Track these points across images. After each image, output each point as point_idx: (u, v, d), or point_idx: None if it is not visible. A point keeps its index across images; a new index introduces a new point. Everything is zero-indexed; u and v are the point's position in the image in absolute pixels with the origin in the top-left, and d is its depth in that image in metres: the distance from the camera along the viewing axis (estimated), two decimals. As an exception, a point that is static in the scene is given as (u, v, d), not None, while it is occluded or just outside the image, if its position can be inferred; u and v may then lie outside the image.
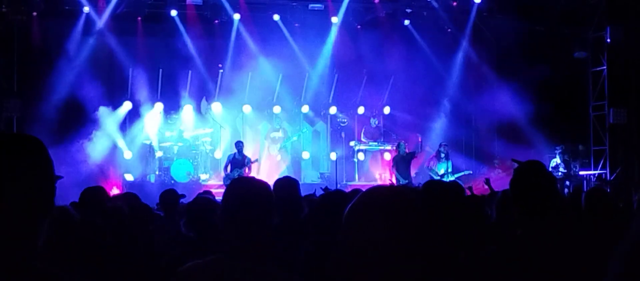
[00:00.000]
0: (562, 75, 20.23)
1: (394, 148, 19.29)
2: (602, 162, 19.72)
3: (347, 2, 20.01)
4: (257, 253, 3.07)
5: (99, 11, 18.80)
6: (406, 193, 2.01)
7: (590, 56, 20.30)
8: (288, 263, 4.97)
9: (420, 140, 18.99)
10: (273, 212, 3.19)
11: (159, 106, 19.49)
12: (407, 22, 20.63)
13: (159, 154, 19.00)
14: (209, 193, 8.39)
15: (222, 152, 20.02)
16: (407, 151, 18.67)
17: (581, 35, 20.29)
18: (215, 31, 20.06)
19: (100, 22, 18.82)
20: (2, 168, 1.97)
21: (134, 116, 19.48)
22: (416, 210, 1.98)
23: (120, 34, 19.10)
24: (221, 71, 20.10)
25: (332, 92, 21.03)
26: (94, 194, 6.32)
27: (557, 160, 18.68)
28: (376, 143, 20.55)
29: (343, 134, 20.74)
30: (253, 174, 19.56)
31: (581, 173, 19.52)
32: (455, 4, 20.41)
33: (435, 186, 3.42)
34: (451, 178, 18.05)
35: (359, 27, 20.58)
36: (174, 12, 19.40)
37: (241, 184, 3.31)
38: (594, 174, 19.69)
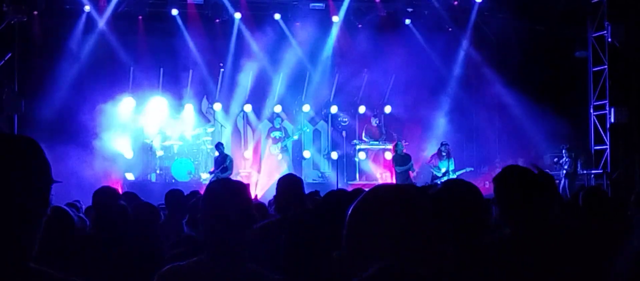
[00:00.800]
0: (562, 74, 20.21)
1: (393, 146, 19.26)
2: (603, 161, 19.69)
3: (348, 1, 20.00)
4: (238, 254, 3.10)
5: (99, 10, 18.80)
6: (410, 191, 2.00)
7: (591, 55, 20.27)
8: (286, 260, 4.99)
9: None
10: (251, 212, 3.21)
11: (160, 105, 19.49)
12: (408, 21, 20.63)
13: (159, 153, 19.01)
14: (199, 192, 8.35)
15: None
16: (404, 151, 18.65)
17: (582, 34, 20.25)
18: (216, 30, 20.05)
19: (101, 21, 18.82)
20: None
21: (134, 115, 19.47)
22: (420, 209, 1.97)
23: (121, 33, 19.09)
24: (222, 70, 20.10)
25: (333, 92, 21.04)
26: (107, 194, 6.31)
27: (564, 159, 18.69)
28: (377, 142, 20.55)
29: (344, 134, 20.75)
30: (254, 173, 19.61)
31: (586, 172, 19.51)
32: (456, 3, 20.40)
33: (455, 185, 3.39)
34: (453, 176, 18.06)
35: (360, 26, 20.57)
36: (175, 11, 19.40)
37: (219, 185, 3.34)
38: (595, 173, 19.67)
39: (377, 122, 20.76)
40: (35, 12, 18.00)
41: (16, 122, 17.49)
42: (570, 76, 20.39)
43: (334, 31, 20.44)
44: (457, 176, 18.10)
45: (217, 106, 20.12)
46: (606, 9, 19.34)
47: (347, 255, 1.93)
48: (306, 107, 20.79)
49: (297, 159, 20.58)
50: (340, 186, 16.95)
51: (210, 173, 17.82)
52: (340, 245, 2.02)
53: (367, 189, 2.12)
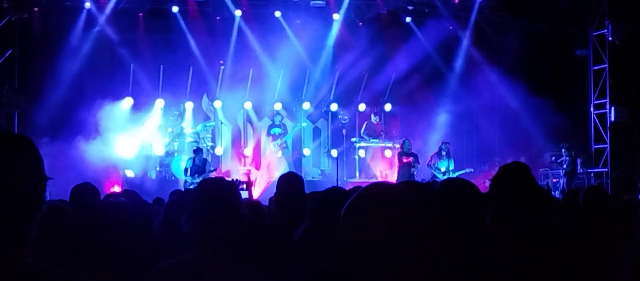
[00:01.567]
0: (563, 73, 20.22)
1: (399, 145, 19.24)
2: (603, 160, 19.71)
3: (348, -2, 20.03)
4: (226, 252, 3.12)
5: (100, 7, 18.79)
6: (403, 190, 1.99)
7: (592, 54, 20.27)
8: (286, 259, 4.99)
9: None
10: (240, 212, 3.24)
11: (160, 102, 19.50)
12: (408, 19, 20.61)
13: (159, 150, 19.01)
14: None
15: (223, 148, 20.06)
16: (411, 150, 18.66)
17: (582, 33, 20.27)
18: (217, 27, 20.04)
19: (102, 18, 18.80)
20: None
21: (134, 112, 19.47)
22: (413, 207, 1.96)
23: (122, 30, 19.08)
24: (222, 67, 20.09)
25: (333, 89, 21.04)
26: (85, 192, 6.29)
27: (563, 158, 18.70)
28: (377, 140, 20.54)
29: (344, 131, 20.76)
30: (254, 170, 19.60)
31: (584, 170, 19.51)
32: (456, 1, 20.38)
33: (453, 184, 3.40)
34: (452, 176, 18.05)
35: (360, 24, 20.55)
36: (175, 8, 19.39)
37: (208, 185, 3.37)
38: (595, 172, 19.68)
39: (377, 120, 20.75)
40: (36, 9, 18.01)
41: (16, 119, 17.49)
42: (570, 75, 20.41)
43: (335, 29, 20.42)
44: (457, 176, 18.09)
45: (218, 104, 20.11)
46: (607, 7, 19.36)
47: (341, 253, 1.93)
48: (306, 105, 20.79)
49: (297, 156, 20.57)
50: (339, 183, 16.94)
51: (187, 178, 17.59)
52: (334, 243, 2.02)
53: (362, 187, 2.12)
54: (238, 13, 19.74)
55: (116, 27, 18.97)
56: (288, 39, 19.96)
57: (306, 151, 20.80)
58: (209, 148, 19.67)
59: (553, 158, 19.51)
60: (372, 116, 20.69)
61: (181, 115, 19.83)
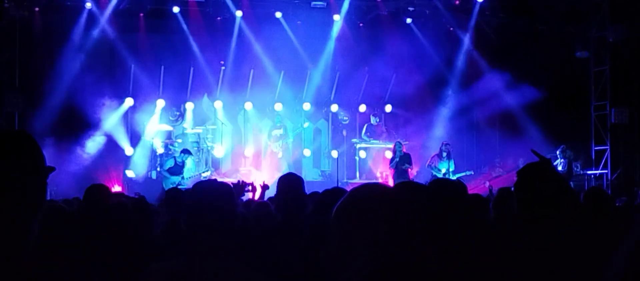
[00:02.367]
0: (564, 74, 20.21)
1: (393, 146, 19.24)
2: (603, 162, 19.71)
3: (349, -1, 20.04)
4: (220, 254, 3.14)
5: (101, 7, 18.79)
6: (393, 191, 1.99)
7: (593, 56, 20.28)
8: (286, 259, 4.99)
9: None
10: (235, 213, 3.28)
11: (161, 103, 19.51)
12: (409, 20, 20.61)
13: (160, 151, 19.01)
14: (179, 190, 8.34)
15: (224, 149, 20.05)
16: (403, 151, 18.62)
17: (583, 34, 20.27)
18: (217, 28, 20.04)
19: (103, 18, 18.80)
20: None
21: (135, 112, 19.49)
22: (403, 208, 1.95)
23: (122, 30, 19.08)
24: (223, 67, 20.09)
25: (333, 90, 21.04)
26: (97, 191, 6.33)
27: (559, 160, 18.67)
28: (378, 141, 20.53)
29: (344, 132, 20.75)
30: (253, 170, 19.59)
31: (584, 172, 19.51)
32: (457, 2, 20.37)
33: (440, 184, 3.41)
34: (453, 178, 18.05)
35: (361, 25, 20.56)
36: (176, 9, 19.39)
37: (203, 186, 3.39)
38: (595, 173, 19.68)
39: (378, 121, 20.74)
40: (37, 9, 18.01)
41: (17, 119, 17.50)
42: (571, 76, 20.40)
43: (335, 30, 20.42)
44: (457, 178, 18.08)
45: (218, 104, 20.11)
46: (608, 9, 19.35)
47: (332, 253, 1.92)
48: (307, 106, 20.78)
49: (297, 157, 20.57)
50: (339, 185, 16.95)
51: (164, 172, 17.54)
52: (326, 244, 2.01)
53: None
54: (239, 13, 19.74)
55: (117, 27, 18.97)
56: (289, 39, 19.96)
57: (306, 152, 20.80)
58: (209, 148, 19.68)
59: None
60: (372, 117, 20.68)
61: (182, 115, 19.84)
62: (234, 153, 20.55)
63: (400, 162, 18.33)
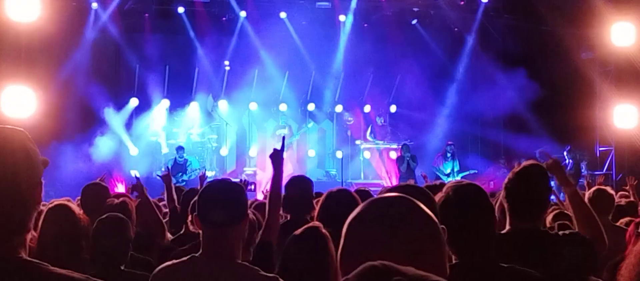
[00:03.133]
0: (568, 75, 20.16)
1: (399, 147, 19.20)
2: (608, 162, 19.66)
3: (355, 0, 20.00)
4: (231, 253, 3.15)
5: (106, 7, 18.81)
6: (410, 203, 1.80)
7: (598, 56, 20.22)
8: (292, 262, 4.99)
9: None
10: (246, 212, 3.28)
11: (165, 103, 19.53)
12: (414, 21, 20.59)
13: (165, 150, 19.04)
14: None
15: (228, 149, 20.06)
16: (409, 153, 18.58)
17: (588, 35, 20.21)
18: (222, 28, 20.06)
19: (108, 18, 18.81)
20: None
21: (140, 112, 19.51)
22: (421, 220, 1.80)
23: (127, 31, 19.14)
24: (227, 68, 20.10)
25: (338, 91, 21.03)
26: (96, 191, 6.31)
27: (567, 160, 18.63)
28: (382, 142, 20.52)
29: (349, 133, 20.75)
30: (259, 171, 19.60)
31: (589, 173, 19.46)
32: (462, 3, 20.36)
33: (462, 189, 3.28)
34: (457, 177, 18.02)
35: (365, 25, 20.56)
36: (181, 9, 19.41)
37: (214, 186, 3.38)
38: (600, 174, 19.62)
39: (382, 121, 20.73)
40: (42, 9, 17.99)
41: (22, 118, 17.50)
42: (576, 77, 20.35)
43: (340, 30, 20.41)
44: (462, 177, 18.06)
45: (223, 104, 20.13)
46: (613, 10, 19.30)
47: (342, 265, 1.78)
48: (311, 106, 20.78)
49: (301, 158, 20.57)
50: (344, 185, 16.93)
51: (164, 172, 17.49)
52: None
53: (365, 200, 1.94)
54: (243, 14, 19.75)
55: (122, 27, 19.00)
56: (293, 40, 19.97)
57: (311, 153, 20.80)
58: (213, 148, 19.70)
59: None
60: (377, 117, 20.67)
61: (186, 116, 19.85)
62: (238, 153, 20.56)
63: (410, 163, 18.26)
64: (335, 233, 3.70)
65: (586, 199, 6.00)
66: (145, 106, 19.46)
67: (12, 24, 16.54)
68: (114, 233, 4.42)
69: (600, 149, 20.00)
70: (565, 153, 18.59)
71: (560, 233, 3.83)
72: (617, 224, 6.04)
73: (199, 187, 8.36)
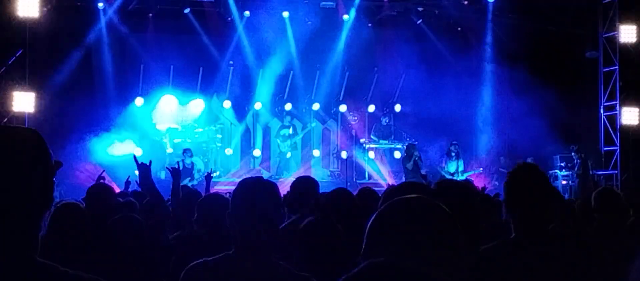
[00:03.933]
0: (573, 74, 20.15)
1: (406, 146, 19.20)
2: (613, 162, 19.64)
3: (359, 0, 20.00)
4: (266, 250, 3.14)
5: (110, 7, 18.83)
6: (428, 203, 1.81)
7: (602, 56, 20.20)
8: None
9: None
10: (280, 211, 3.26)
11: (170, 102, 19.53)
12: (418, 20, 20.56)
13: (169, 150, 19.05)
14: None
15: (233, 149, 20.06)
16: (418, 152, 18.58)
17: (593, 35, 20.20)
18: (227, 28, 20.06)
19: (112, 18, 18.83)
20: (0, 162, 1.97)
21: (145, 112, 19.52)
22: (437, 219, 1.80)
23: (132, 30, 19.14)
24: (232, 67, 20.11)
25: (342, 91, 21.02)
26: (100, 192, 6.32)
27: (574, 160, 18.62)
28: (387, 141, 20.51)
29: (354, 132, 20.74)
30: (263, 170, 19.61)
31: (594, 172, 19.44)
32: (466, 2, 20.34)
33: (447, 184, 3.37)
34: (461, 177, 18.02)
35: (370, 25, 20.54)
36: (186, 9, 19.42)
37: (249, 183, 3.37)
38: (605, 174, 19.60)
39: (387, 121, 20.72)
40: (46, 9, 18.03)
41: (26, 119, 17.54)
42: (580, 77, 20.33)
43: (344, 30, 20.40)
44: (466, 177, 18.06)
45: (227, 104, 20.14)
46: (617, 9, 19.28)
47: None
48: (316, 106, 20.78)
49: (306, 157, 20.58)
50: (348, 185, 16.94)
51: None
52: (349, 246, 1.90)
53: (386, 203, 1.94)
54: (247, 14, 19.75)
55: (126, 27, 19.02)
56: (297, 40, 19.97)
57: (315, 152, 20.80)
58: (218, 148, 19.71)
59: (563, 163, 19.43)
60: (382, 117, 20.66)
61: (191, 115, 19.86)
62: (242, 153, 20.57)
63: (418, 162, 18.26)
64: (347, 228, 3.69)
65: (593, 199, 6.00)
66: (150, 105, 19.47)
67: (16, 22, 16.58)
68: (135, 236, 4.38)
69: (605, 148, 19.97)
70: (573, 153, 18.59)
71: None
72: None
73: (205, 187, 8.38)
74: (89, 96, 18.40)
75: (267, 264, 3.11)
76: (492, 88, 20.62)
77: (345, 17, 20.20)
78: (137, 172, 5.65)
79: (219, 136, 19.88)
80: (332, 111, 21.33)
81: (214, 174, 18.28)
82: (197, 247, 5.09)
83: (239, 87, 20.11)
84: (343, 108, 21.03)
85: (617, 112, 19.59)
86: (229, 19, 19.88)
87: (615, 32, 19.40)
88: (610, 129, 19.86)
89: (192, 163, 17.86)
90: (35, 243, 2.01)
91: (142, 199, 7.02)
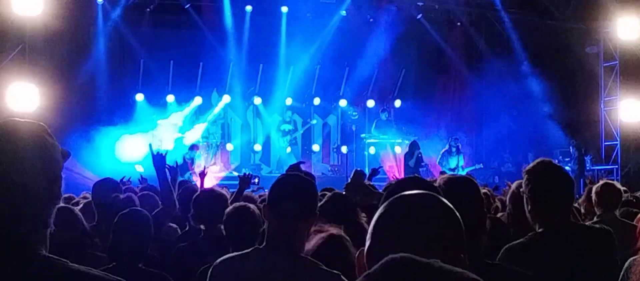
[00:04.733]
0: (573, 69, 20.14)
1: (408, 142, 19.16)
2: (613, 157, 19.65)
3: (359, -6, 20.00)
4: (296, 246, 3.15)
5: (110, 2, 18.80)
6: (435, 199, 1.80)
7: (602, 51, 20.20)
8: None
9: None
10: (315, 209, 3.26)
11: (170, 98, 19.53)
12: (418, 15, 20.54)
13: (169, 146, 19.03)
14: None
15: (233, 144, 20.06)
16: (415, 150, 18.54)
17: (593, 30, 20.19)
18: (227, 23, 20.03)
19: (112, 13, 18.80)
20: (6, 156, 1.95)
21: (145, 107, 19.50)
22: (445, 214, 1.79)
23: (132, 26, 19.09)
24: (232, 63, 20.09)
25: (342, 85, 21.01)
26: (106, 187, 6.33)
27: (571, 155, 18.61)
28: (387, 136, 20.50)
29: (354, 127, 20.73)
30: (264, 166, 19.61)
31: (593, 167, 19.44)
32: (467, -3, 20.34)
33: (451, 181, 3.34)
34: (462, 173, 18.00)
35: (370, 19, 20.51)
36: (186, 4, 19.39)
37: (288, 179, 3.38)
38: (605, 168, 19.60)
39: (387, 116, 20.71)
40: (47, 4, 18.00)
41: (27, 113, 17.54)
42: (581, 71, 20.33)
43: (345, 25, 20.37)
44: (467, 173, 18.04)
45: (227, 99, 20.12)
46: (617, 4, 19.27)
47: (369, 261, 1.77)
48: (316, 101, 20.77)
49: (306, 152, 20.57)
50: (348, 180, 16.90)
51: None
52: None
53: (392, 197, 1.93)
54: (248, 8, 19.73)
55: (126, 22, 18.98)
56: (298, 35, 19.92)
57: (315, 147, 20.80)
58: (218, 143, 19.70)
59: (561, 157, 19.43)
60: (382, 113, 20.65)
61: (191, 110, 19.85)
62: (242, 148, 20.57)
63: (419, 159, 18.22)
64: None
65: (593, 194, 6.00)
66: (149, 101, 19.46)
67: (16, 18, 16.56)
68: (136, 229, 4.37)
69: (605, 143, 19.97)
70: (571, 148, 18.57)
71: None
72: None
73: (200, 183, 8.38)
74: (89, 92, 18.36)
75: (297, 260, 3.11)
76: (492, 83, 20.60)
77: (343, 13, 20.14)
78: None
79: (219, 131, 19.87)
80: (332, 106, 21.31)
81: (214, 169, 18.33)
82: (194, 241, 5.10)
83: (239, 81, 20.08)
84: (343, 103, 21.02)
85: (618, 106, 19.59)
86: (229, 13, 19.84)
87: (616, 27, 19.39)
88: (610, 124, 19.86)
89: (192, 158, 17.84)
90: (43, 239, 1.99)
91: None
